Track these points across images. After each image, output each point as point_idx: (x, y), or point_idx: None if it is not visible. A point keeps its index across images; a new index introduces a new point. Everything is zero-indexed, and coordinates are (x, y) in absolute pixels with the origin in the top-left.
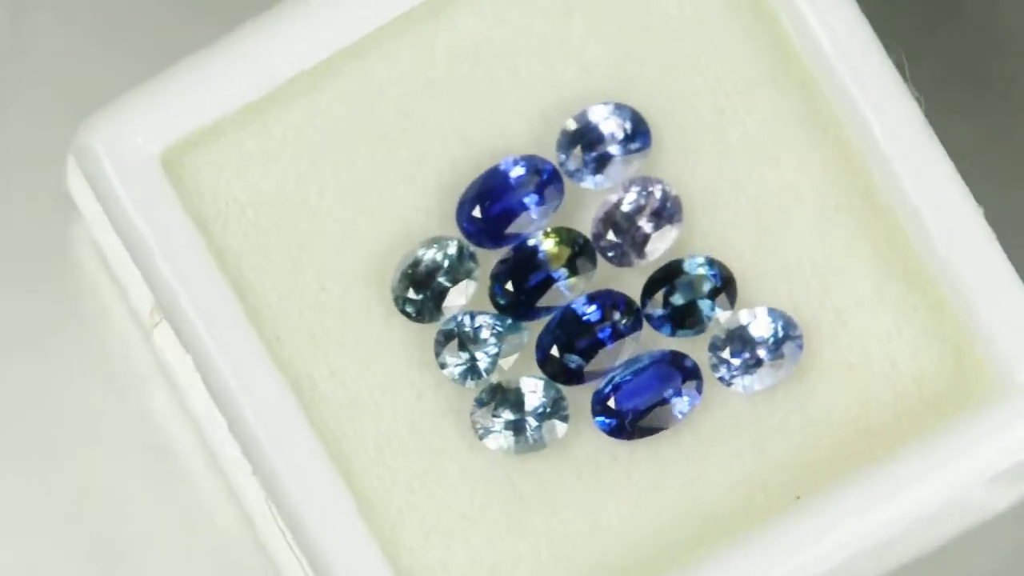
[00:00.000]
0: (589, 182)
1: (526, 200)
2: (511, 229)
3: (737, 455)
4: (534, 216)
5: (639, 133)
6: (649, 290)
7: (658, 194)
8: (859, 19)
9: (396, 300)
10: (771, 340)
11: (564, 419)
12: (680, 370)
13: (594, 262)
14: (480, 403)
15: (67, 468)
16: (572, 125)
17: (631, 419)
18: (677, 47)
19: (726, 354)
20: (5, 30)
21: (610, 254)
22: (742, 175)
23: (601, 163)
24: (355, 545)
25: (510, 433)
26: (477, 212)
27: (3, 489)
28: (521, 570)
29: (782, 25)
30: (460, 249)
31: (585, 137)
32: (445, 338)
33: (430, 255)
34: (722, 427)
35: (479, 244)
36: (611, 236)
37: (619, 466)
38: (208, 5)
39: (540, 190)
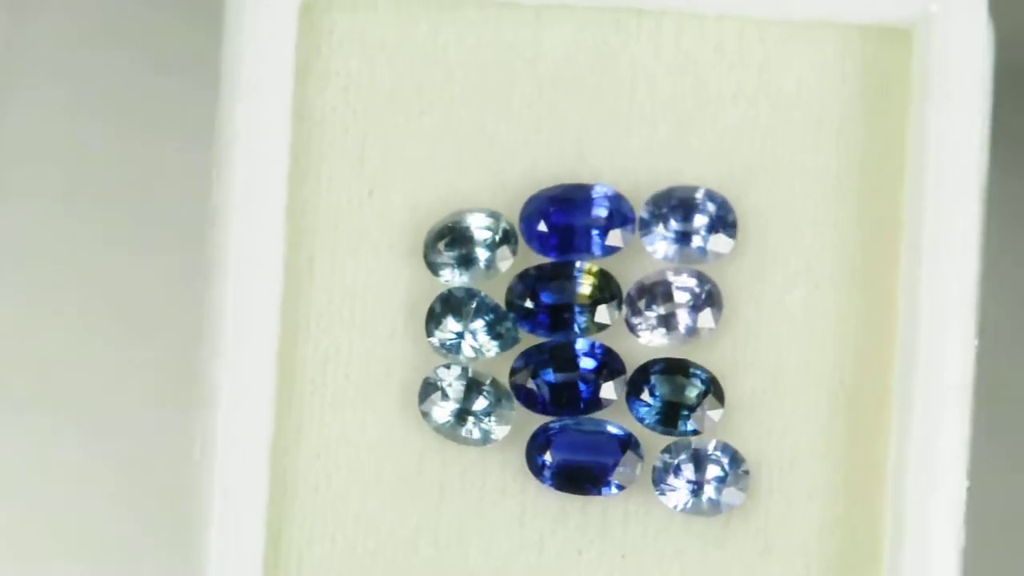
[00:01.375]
0: (659, 248)
1: (596, 224)
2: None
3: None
4: (595, 245)
5: (727, 225)
6: (642, 372)
7: (708, 289)
8: None
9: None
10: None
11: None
12: (623, 447)
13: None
14: None
15: None
16: (673, 201)
17: (560, 468)
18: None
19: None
20: (5, 31)
21: (636, 320)
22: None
23: (683, 239)
24: None
25: None
26: (543, 222)
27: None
28: None
29: None
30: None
31: (678, 213)
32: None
33: (479, 222)
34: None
35: (530, 239)
36: (646, 306)
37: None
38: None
39: (610, 225)
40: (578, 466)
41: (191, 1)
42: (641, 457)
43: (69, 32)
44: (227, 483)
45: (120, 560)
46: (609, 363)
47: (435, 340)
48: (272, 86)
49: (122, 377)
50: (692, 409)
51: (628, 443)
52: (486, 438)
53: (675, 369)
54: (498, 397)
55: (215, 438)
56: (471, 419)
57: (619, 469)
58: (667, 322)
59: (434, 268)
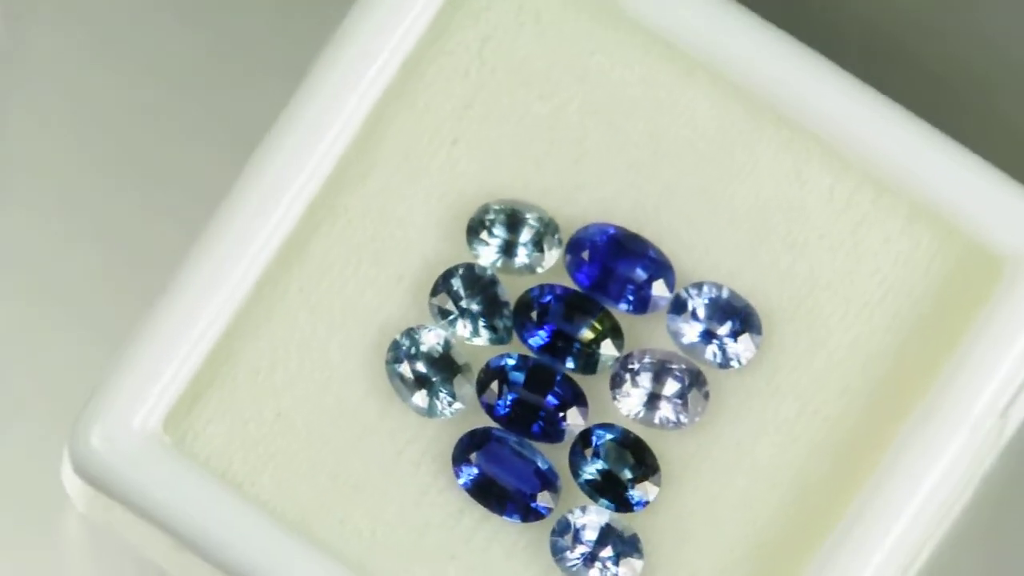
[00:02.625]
0: (682, 330)
1: (634, 281)
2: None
3: None
4: (624, 299)
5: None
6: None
7: (704, 391)
8: None
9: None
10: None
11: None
12: (543, 482)
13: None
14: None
15: None
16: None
17: (479, 478)
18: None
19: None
20: (4, 32)
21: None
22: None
23: (707, 337)
24: None
25: None
26: (589, 252)
27: None
28: None
29: None
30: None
31: (710, 311)
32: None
33: (534, 219)
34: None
35: (576, 275)
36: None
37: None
38: (207, 5)
39: (646, 290)
40: (494, 482)
41: (190, 5)
42: (557, 493)
43: (69, 37)
44: None
45: None
46: (576, 399)
47: (435, 304)
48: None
49: None
50: (625, 487)
51: (547, 480)
52: (432, 411)
53: (625, 444)
54: (451, 377)
55: None
56: (428, 388)
57: (532, 504)
58: (650, 402)
59: (472, 240)
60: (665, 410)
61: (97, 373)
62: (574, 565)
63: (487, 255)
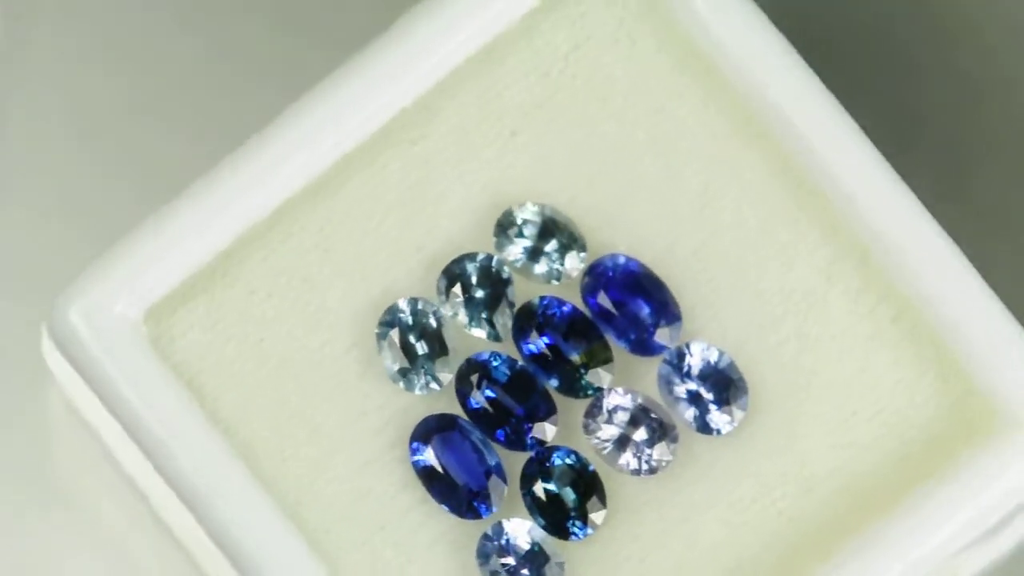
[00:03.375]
0: (670, 385)
1: (640, 323)
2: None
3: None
4: (626, 337)
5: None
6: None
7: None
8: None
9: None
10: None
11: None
12: (487, 475)
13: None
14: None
15: None
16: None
17: (429, 467)
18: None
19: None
20: (4, 32)
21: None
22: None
23: (695, 400)
24: None
25: None
26: (608, 281)
27: None
28: None
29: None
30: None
31: (701, 379)
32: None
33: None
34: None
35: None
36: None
37: None
38: (206, 5)
39: (648, 337)
40: (444, 471)
41: (190, 6)
42: (501, 499)
43: (69, 37)
44: None
45: None
46: (548, 415)
47: (442, 283)
48: None
49: None
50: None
51: (495, 484)
52: (408, 383)
53: (581, 473)
54: (435, 357)
55: None
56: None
57: (473, 502)
58: (620, 442)
59: (500, 235)
60: (629, 454)
61: None
62: (495, 573)
63: (511, 253)
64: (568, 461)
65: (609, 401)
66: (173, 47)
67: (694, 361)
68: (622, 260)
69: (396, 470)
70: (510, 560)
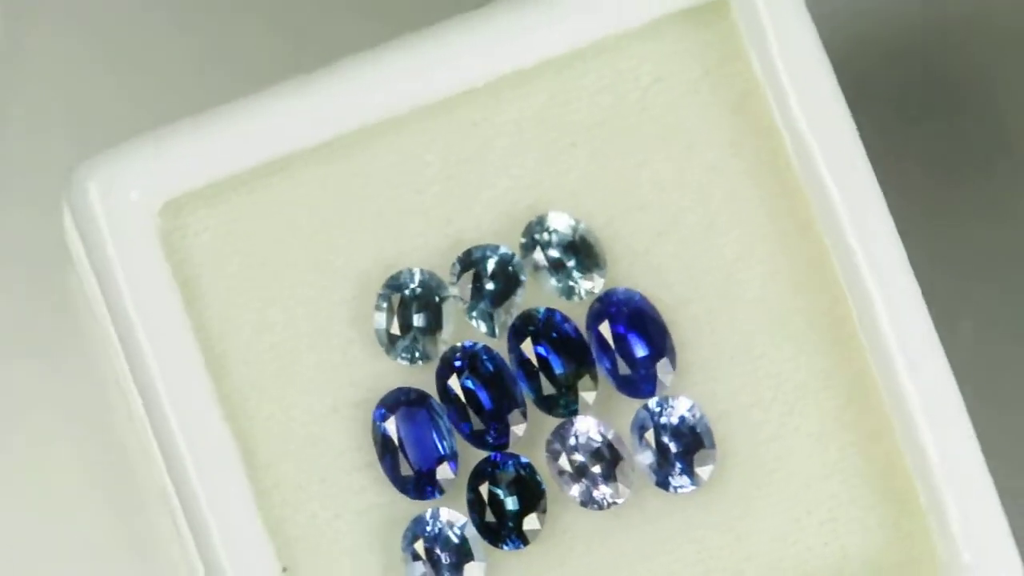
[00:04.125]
0: (645, 421)
1: (636, 367)
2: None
3: None
4: (614, 373)
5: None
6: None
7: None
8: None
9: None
10: None
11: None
12: (439, 460)
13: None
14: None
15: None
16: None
17: (389, 440)
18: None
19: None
20: (4, 33)
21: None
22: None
23: (660, 455)
24: None
25: None
26: (613, 312)
27: None
28: None
29: None
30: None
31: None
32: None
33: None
34: None
35: None
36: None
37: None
38: (206, 5)
39: (641, 378)
40: (400, 444)
41: (190, 6)
42: (453, 476)
43: (69, 37)
44: None
45: None
46: (516, 421)
47: (457, 266)
48: None
49: None
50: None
51: (446, 461)
52: (390, 347)
53: (529, 485)
54: (427, 333)
55: None
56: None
57: (414, 484)
58: (581, 471)
59: (527, 239)
60: (583, 484)
61: None
62: (416, 556)
63: (533, 258)
64: (521, 471)
65: (580, 427)
66: (173, 47)
67: (673, 416)
68: (636, 297)
69: (355, 430)
70: (435, 549)
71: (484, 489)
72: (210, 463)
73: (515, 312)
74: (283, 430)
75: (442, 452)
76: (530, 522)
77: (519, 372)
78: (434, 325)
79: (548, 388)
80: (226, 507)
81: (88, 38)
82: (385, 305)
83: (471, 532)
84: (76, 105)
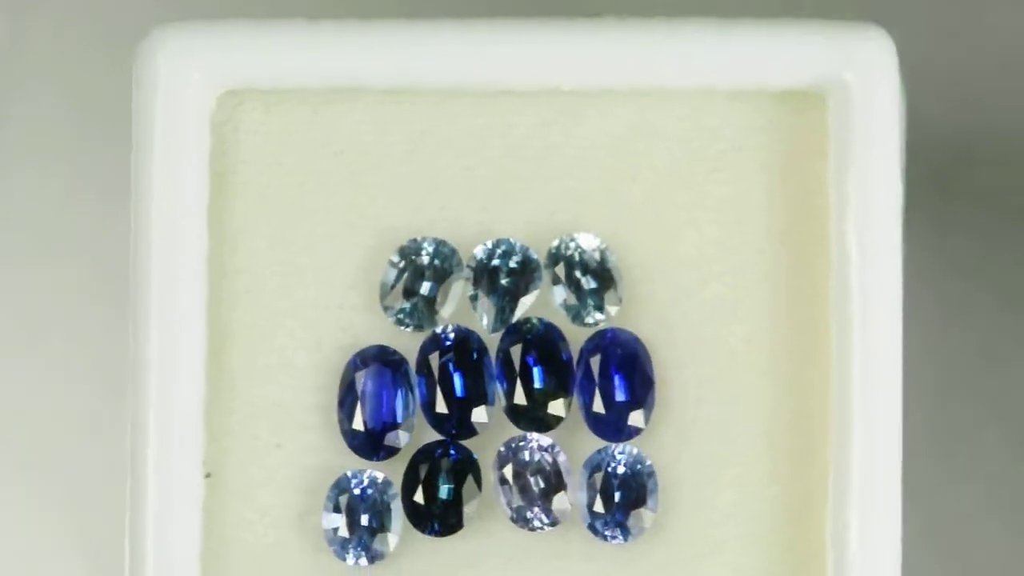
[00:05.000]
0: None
1: (610, 400)
2: None
3: None
4: (591, 391)
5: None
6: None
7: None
8: None
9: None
10: None
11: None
12: (385, 428)
13: None
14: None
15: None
16: None
17: (354, 385)
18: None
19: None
20: (4, 31)
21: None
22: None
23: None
24: None
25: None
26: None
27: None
28: None
29: None
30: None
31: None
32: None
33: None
34: None
35: None
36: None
37: None
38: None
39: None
40: (361, 396)
41: (191, 1)
42: (399, 447)
43: (70, 33)
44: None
45: None
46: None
47: (481, 252)
48: None
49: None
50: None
51: (399, 426)
52: (383, 298)
53: (463, 470)
54: (427, 305)
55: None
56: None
57: (359, 438)
58: (522, 487)
59: (555, 252)
60: (515, 495)
61: None
62: (337, 509)
63: (552, 273)
64: (467, 465)
65: (535, 444)
66: None
67: (628, 467)
68: (636, 343)
69: (329, 372)
70: (358, 508)
71: (424, 468)
72: (170, 345)
73: (518, 314)
74: (260, 345)
75: (399, 419)
76: (456, 516)
77: (499, 373)
78: (438, 298)
79: (521, 398)
80: (172, 392)
81: (90, 33)
82: (399, 263)
83: (396, 505)
84: (77, 100)
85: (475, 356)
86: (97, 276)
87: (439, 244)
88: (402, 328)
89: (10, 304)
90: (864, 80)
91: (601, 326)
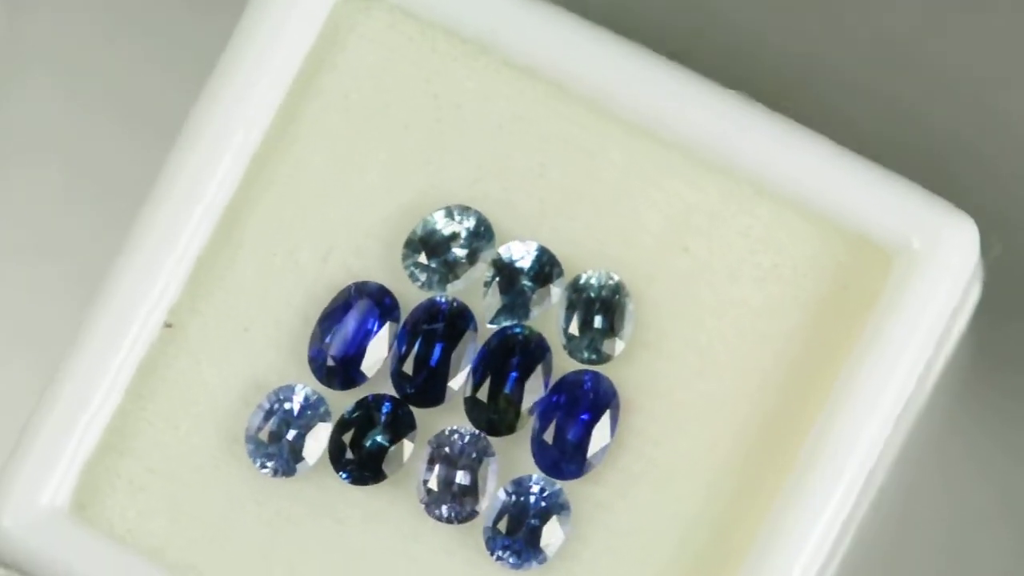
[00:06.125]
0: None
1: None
2: None
3: None
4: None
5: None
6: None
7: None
8: None
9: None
10: None
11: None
12: (342, 368)
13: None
14: None
15: None
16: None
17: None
18: None
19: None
20: (5, 29)
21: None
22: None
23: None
24: None
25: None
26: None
27: None
28: None
29: None
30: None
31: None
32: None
33: (447, 225)
34: None
35: None
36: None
37: None
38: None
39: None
40: (335, 322)
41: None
42: (357, 384)
43: (69, 29)
44: None
45: None
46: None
47: (516, 251)
48: None
49: None
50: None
51: (350, 362)
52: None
53: (398, 424)
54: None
55: None
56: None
57: (317, 367)
58: (447, 478)
59: (571, 288)
60: (435, 482)
61: None
62: (267, 414)
63: (566, 299)
64: (404, 432)
65: (473, 446)
66: (175, 40)
67: (547, 502)
68: (612, 392)
69: (327, 290)
70: (285, 418)
71: (361, 413)
72: (178, 212)
73: (519, 317)
74: (273, 253)
75: (363, 359)
76: (372, 471)
77: (477, 362)
78: (455, 271)
79: (484, 394)
80: (160, 240)
81: (90, 26)
82: (435, 223)
83: (323, 433)
84: (77, 95)
85: (462, 335)
86: (98, 276)
87: (480, 223)
88: (413, 282)
89: (10, 304)
90: (931, 259)
91: (592, 367)
